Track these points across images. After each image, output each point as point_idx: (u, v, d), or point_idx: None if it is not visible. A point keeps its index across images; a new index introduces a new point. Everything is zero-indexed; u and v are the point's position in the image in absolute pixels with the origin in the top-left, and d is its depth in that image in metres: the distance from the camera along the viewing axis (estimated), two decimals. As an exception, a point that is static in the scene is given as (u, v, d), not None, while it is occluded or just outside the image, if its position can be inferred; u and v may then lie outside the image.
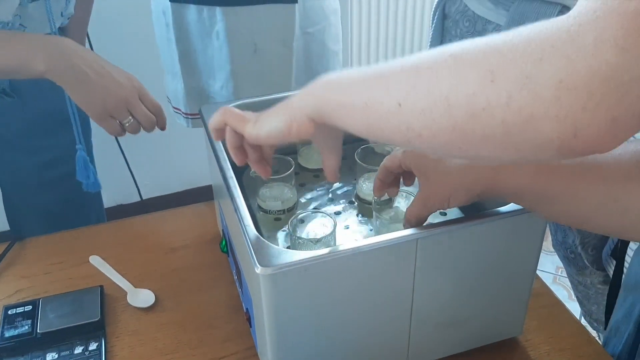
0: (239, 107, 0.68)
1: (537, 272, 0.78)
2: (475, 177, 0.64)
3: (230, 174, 0.75)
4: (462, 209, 0.82)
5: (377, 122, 0.49)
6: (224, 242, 0.91)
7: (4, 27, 0.94)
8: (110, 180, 1.40)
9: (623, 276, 0.91)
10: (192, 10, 1.23)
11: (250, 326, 0.79)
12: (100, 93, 0.85)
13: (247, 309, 0.80)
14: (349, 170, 0.89)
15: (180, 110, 1.39)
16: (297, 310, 0.66)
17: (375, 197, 0.77)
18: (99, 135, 1.12)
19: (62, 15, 1.03)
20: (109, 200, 1.59)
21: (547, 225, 1.45)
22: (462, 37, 1.22)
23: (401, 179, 0.74)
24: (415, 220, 0.68)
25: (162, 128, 0.96)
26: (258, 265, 0.61)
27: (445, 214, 0.81)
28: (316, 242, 0.72)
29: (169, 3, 1.24)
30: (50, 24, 0.95)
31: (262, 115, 0.60)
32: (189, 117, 1.37)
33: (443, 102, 0.43)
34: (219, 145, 0.79)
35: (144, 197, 1.51)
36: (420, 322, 0.73)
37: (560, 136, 0.38)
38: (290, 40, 1.25)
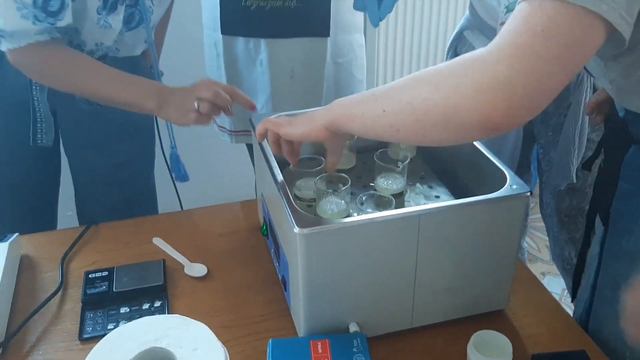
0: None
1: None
2: None
3: (276, 165, 0.96)
4: (454, 194, 1.01)
5: (371, 124, 0.76)
6: (264, 227, 1.11)
7: (103, 49, 1.18)
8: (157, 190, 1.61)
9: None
10: (240, 41, 1.45)
11: (285, 290, 0.98)
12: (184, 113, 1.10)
13: (282, 276, 0.99)
14: (369, 170, 1.09)
15: (225, 128, 1.60)
16: (324, 268, 0.85)
17: None
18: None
19: (145, 42, 1.26)
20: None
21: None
22: None
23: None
24: None
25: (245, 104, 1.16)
26: (296, 227, 0.81)
27: (439, 197, 1.01)
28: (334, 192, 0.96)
29: (221, 36, 1.46)
30: (150, 49, 1.19)
31: (294, 120, 0.90)
32: (233, 133, 1.59)
33: (409, 105, 0.70)
34: (266, 146, 1.00)
35: (184, 208, 1.72)
36: (423, 288, 0.91)
37: (479, 120, 0.63)
38: (322, 68, 1.47)
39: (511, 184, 0.90)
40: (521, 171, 1.49)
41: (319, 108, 0.88)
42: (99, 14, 1.09)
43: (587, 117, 1.28)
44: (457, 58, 0.67)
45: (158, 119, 1.35)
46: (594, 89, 1.27)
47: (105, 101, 1.16)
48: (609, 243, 0.94)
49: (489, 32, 1.34)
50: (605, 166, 0.95)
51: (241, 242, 1.17)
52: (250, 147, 1.62)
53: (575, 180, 1.33)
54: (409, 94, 0.70)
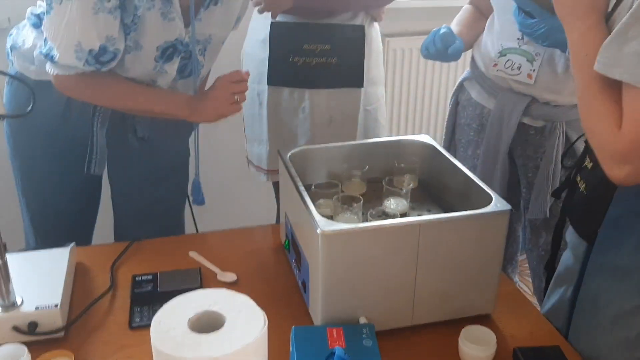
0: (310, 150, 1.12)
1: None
2: None
3: (301, 184, 1.15)
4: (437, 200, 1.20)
5: None
6: (287, 242, 1.29)
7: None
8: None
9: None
10: (285, 91, 1.69)
11: (305, 292, 1.16)
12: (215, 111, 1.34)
13: (303, 280, 1.17)
14: (377, 197, 1.28)
15: (262, 168, 1.81)
16: (340, 266, 1.03)
17: None
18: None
19: (196, 91, 1.49)
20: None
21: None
22: (467, 117, 1.64)
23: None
24: None
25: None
26: (319, 227, 0.99)
27: (430, 211, 1.20)
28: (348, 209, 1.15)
29: (266, 87, 1.70)
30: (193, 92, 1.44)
31: None
32: (269, 173, 1.79)
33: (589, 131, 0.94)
34: (293, 171, 1.20)
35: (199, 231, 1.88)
36: (422, 289, 1.09)
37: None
38: (356, 114, 1.70)
39: (495, 203, 1.09)
40: (511, 210, 1.68)
41: None
42: (156, 62, 1.31)
43: (559, 161, 1.47)
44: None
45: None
46: (566, 136, 1.47)
47: (145, 114, 1.38)
48: (593, 259, 1.09)
49: (483, 82, 1.56)
50: (592, 194, 1.10)
51: (265, 258, 1.35)
52: (276, 184, 1.82)
53: (548, 216, 1.51)
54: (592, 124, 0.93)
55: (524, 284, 2.51)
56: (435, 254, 1.07)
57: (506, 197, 1.58)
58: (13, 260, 1.09)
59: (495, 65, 1.51)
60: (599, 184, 1.07)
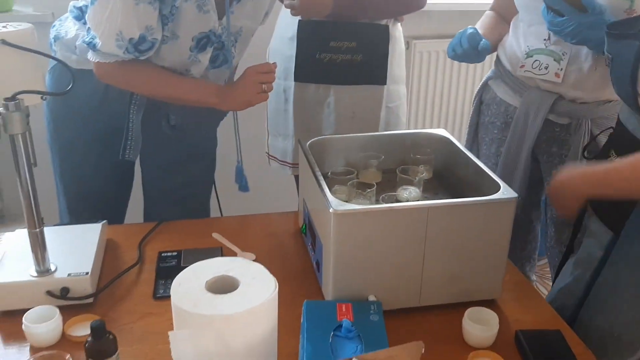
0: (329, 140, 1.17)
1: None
2: None
3: (317, 169, 1.21)
4: (450, 190, 1.24)
5: None
6: (304, 226, 1.35)
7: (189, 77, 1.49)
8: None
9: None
10: (311, 87, 1.76)
11: (318, 271, 1.22)
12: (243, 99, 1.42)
13: (317, 260, 1.23)
14: (391, 186, 1.33)
15: (287, 162, 1.88)
16: (351, 245, 1.08)
17: None
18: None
19: (225, 81, 1.57)
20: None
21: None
22: (491, 115, 1.68)
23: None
24: None
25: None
26: (332, 207, 1.06)
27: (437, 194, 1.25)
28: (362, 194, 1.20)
29: (292, 83, 1.77)
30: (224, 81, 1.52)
31: None
32: (294, 166, 1.86)
33: None
34: (312, 159, 1.26)
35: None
36: (429, 272, 1.14)
37: None
38: (378, 111, 1.76)
39: (503, 191, 1.14)
40: (531, 208, 1.71)
41: None
42: (190, 52, 1.40)
43: (584, 159, 1.50)
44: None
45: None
46: (591, 134, 1.50)
47: (177, 102, 1.46)
48: (618, 248, 1.15)
49: (509, 81, 1.60)
50: None
51: (283, 241, 1.42)
52: (298, 177, 1.89)
53: None
54: None
55: (543, 287, 2.52)
56: (443, 238, 1.12)
57: (527, 195, 1.63)
58: (49, 232, 1.17)
59: (523, 66, 1.55)
60: None
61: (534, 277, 1.90)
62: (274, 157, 1.93)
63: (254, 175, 2.30)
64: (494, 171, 1.62)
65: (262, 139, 1.97)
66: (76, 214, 1.62)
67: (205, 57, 1.44)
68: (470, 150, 1.76)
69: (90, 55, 1.36)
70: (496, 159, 1.68)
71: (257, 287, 0.88)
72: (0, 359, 1.06)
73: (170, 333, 0.82)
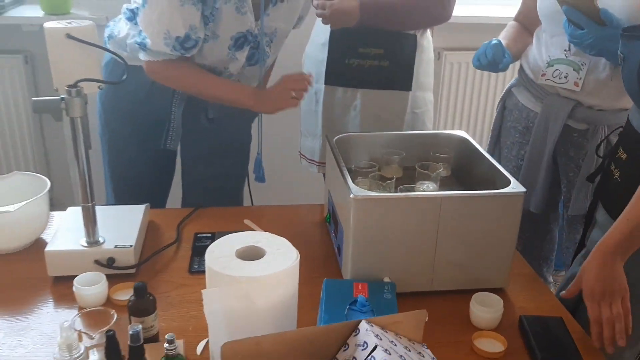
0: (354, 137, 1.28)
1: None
2: None
3: (341, 160, 1.32)
4: (466, 187, 1.33)
5: None
6: (328, 216, 1.46)
7: (227, 75, 1.61)
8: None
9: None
10: (339, 90, 1.87)
11: (339, 255, 1.32)
12: (275, 103, 1.54)
13: (338, 245, 1.33)
14: (411, 181, 1.43)
15: (314, 161, 1.99)
16: (369, 229, 1.19)
17: None
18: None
19: (258, 80, 1.70)
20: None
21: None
22: (513, 120, 1.77)
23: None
24: None
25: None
26: (352, 193, 1.16)
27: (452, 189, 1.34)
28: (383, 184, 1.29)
29: (323, 86, 1.88)
30: (259, 81, 1.64)
31: None
32: (320, 165, 1.98)
33: None
34: (337, 152, 1.37)
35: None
36: (441, 258, 1.23)
37: None
38: (402, 115, 1.86)
39: (512, 186, 1.23)
40: (549, 209, 1.78)
41: None
42: (229, 50, 1.53)
43: (599, 161, 1.57)
44: None
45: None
46: (608, 139, 1.57)
47: (216, 101, 1.59)
48: None
49: (531, 88, 1.69)
50: (626, 182, 1.23)
51: (309, 229, 1.53)
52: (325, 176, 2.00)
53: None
54: None
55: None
56: (455, 227, 1.21)
57: (547, 197, 1.71)
58: (98, 210, 1.31)
59: (544, 75, 1.63)
60: (633, 174, 1.21)
61: (550, 279, 1.97)
62: (304, 156, 2.05)
63: (285, 171, 2.43)
64: (516, 173, 1.72)
65: (297, 139, 2.09)
66: (121, 199, 1.76)
67: (242, 55, 1.57)
68: (492, 153, 1.85)
69: (142, 55, 1.50)
70: (517, 162, 1.76)
71: (281, 256, 1.00)
72: (52, 317, 1.19)
73: (203, 291, 0.94)
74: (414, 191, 1.35)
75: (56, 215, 1.52)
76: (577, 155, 1.64)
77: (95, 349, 1.02)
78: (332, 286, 1.19)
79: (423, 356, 0.93)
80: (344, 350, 0.91)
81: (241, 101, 1.56)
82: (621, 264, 1.15)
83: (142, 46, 1.48)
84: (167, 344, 0.95)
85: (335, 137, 1.45)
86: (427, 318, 0.96)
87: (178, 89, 1.60)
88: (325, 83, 1.87)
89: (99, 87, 1.23)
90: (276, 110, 1.57)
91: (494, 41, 1.63)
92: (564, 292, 1.23)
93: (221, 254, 0.99)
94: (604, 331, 1.12)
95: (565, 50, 1.59)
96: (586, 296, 1.15)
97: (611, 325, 1.12)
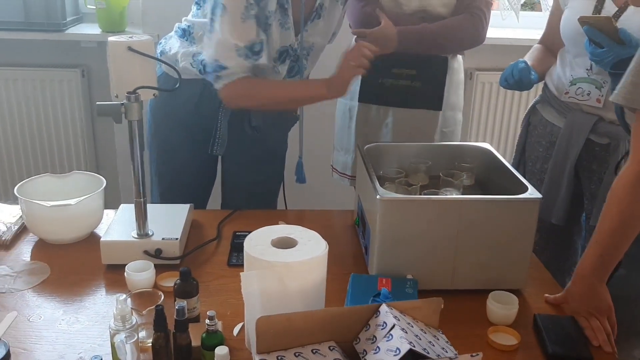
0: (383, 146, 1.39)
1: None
2: None
3: (371, 167, 1.43)
4: (487, 194, 1.41)
5: None
6: (357, 219, 1.57)
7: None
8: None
9: None
10: (373, 108, 1.98)
11: (366, 254, 1.42)
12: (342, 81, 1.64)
13: (365, 245, 1.44)
14: (436, 187, 1.53)
15: (346, 174, 2.10)
16: (394, 228, 1.29)
17: None
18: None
19: None
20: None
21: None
22: (537, 135, 1.85)
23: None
24: None
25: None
26: (379, 195, 1.27)
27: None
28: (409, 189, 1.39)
29: (357, 104, 2.00)
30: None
31: None
32: (352, 178, 2.08)
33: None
34: (367, 160, 1.48)
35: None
36: (461, 258, 1.32)
37: None
38: (432, 134, 1.95)
39: (529, 193, 1.31)
40: (572, 222, 1.85)
41: None
42: (274, 62, 1.67)
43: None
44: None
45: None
46: (628, 153, 1.64)
47: (294, 105, 1.75)
48: (631, 247, 1.26)
49: (555, 104, 1.77)
50: None
51: (339, 232, 1.64)
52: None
53: None
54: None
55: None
56: (474, 230, 1.30)
57: (569, 209, 1.77)
58: (147, 207, 1.44)
59: (567, 92, 1.72)
60: None
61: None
62: (336, 169, 2.15)
63: (317, 184, 2.55)
64: (540, 186, 1.79)
65: (329, 154, 2.21)
66: (167, 201, 1.89)
67: (283, 68, 1.70)
68: (517, 167, 1.93)
69: (218, 84, 1.62)
70: (540, 175, 1.84)
71: (311, 246, 1.11)
72: (105, 299, 1.32)
73: (242, 274, 1.06)
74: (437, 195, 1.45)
75: (110, 212, 1.67)
76: (599, 168, 1.71)
77: (143, 327, 1.15)
78: (358, 280, 1.30)
79: (438, 339, 1.02)
80: (366, 331, 1.01)
81: (317, 94, 1.66)
82: (602, 284, 1.24)
83: (217, 71, 1.59)
84: (208, 320, 1.07)
85: (366, 147, 1.57)
86: (442, 305, 1.05)
87: (257, 107, 1.71)
88: (359, 100, 1.99)
89: (154, 94, 1.37)
90: (346, 89, 1.65)
91: (522, 64, 1.72)
92: (548, 295, 1.33)
93: (258, 241, 1.11)
94: (598, 337, 1.21)
95: (587, 69, 1.68)
96: (574, 315, 1.26)
97: (602, 332, 1.21)
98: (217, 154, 1.79)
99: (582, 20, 1.52)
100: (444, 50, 1.92)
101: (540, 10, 2.83)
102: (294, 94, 1.71)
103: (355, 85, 2.00)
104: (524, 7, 2.91)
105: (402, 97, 1.93)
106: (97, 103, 1.32)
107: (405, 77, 1.92)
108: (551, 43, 1.83)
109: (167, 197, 1.91)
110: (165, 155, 1.88)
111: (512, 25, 2.80)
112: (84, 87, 2.70)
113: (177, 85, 1.40)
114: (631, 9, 1.55)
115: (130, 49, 1.32)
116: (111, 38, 1.34)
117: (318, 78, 1.71)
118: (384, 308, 1.00)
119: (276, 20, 1.60)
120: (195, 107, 1.77)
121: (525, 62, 1.74)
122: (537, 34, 1.92)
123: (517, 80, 1.72)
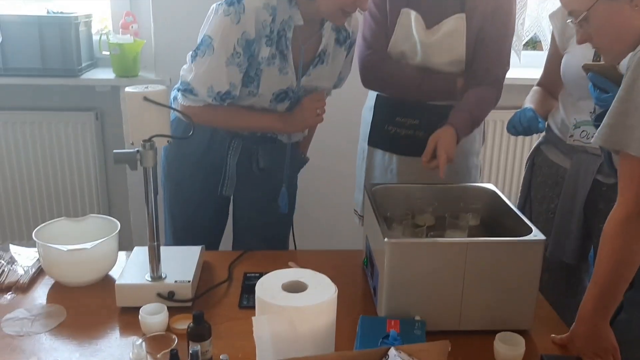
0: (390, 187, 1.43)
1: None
2: None
3: (377, 209, 1.47)
4: (493, 235, 1.43)
5: None
6: (366, 259, 1.60)
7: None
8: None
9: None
10: (379, 153, 2.02)
11: (375, 295, 1.45)
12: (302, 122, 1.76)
13: (374, 287, 1.46)
14: (442, 229, 1.56)
15: (357, 212, 2.13)
16: (401, 270, 1.32)
17: None
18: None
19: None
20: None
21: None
22: (543, 175, 1.88)
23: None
24: None
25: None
26: (387, 238, 1.30)
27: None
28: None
29: (367, 146, 2.04)
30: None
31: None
32: (362, 218, 2.11)
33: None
34: (374, 201, 1.52)
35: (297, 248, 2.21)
36: (468, 299, 1.34)
37: None
38: (438, 180, 1.96)
39: (534, 234, 1.34)
40: (580, 260, 1.86)
41: None
42: (270, 102, 1.73)
43: None
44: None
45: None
46: None
47: (249, 130, 1.80)
48: (633, 293, 1.31)
49: (559, 145, 1.81)
50: None
51: (348, 272, 1.67)
52: None
53: None
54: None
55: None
56: (480, 271, 1.33)
57: (579, 248, 1.79)
58: (161, 249, 1.49)
59: (571, 136, 1.76)
60: None
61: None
62: (356, 212, 2.16)
63: (327, 220, 2.59)
64: (549, 226, 1.81)
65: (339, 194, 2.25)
66: (179, 241, 1.94)
67: (282, 107, 1.77)
68: (523, 207, 1.95)
69: (184, 100, 1.73)
70: (547, 215, 1.87)
71: (321, 290, 1.14)
72: (119, 342, 1.35)
73: (253, 318, 1.09)
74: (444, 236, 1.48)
75: (124, 255, 1.71)
76: (606, 207, 1.73)
77: (158, 369, 1.18)
78: (367, 322, 1.32)
79: (445, 382, 1.04)
80: (375, 374, 1.03)
81: (271, 126, 1.78)
82: (605, 324, 1.26)
83: (187, 92, 1.70)
84: (221, 363, 1.10)
85: (373, 187, 1.61)
86: (449, 348, 1.08)
87: (213, 126, 1.80)
88: (368, 144, 2.03)
89: (167, 141, 1.43)
90: (304, 128, 1.80)
91: (530, 112, 1.76)
92: (554, 335, 1.35)
93: (269, 286, 1.14)
94: None
95: (590, 112, 1.72)
96: (580, 355, 1.28)
97: None
98: (227, 195, 1.84)
99: (586, 68, 1.57)
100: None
101: (542, 50, 2.90)
102: (250, 125, 1.80)
103: (367, 128, 2.04)
104: (526, 46, 2.98)
105: (404, 145, 1.94)
106: (114, 151, 1.38)
107: (408, 127, 1.93)
108: (551, 86, 1.88)
109: (180, 236, 1.95)
110: (178, 196, 1.93)
111: (514, 65, 2.86)
112: (97, 129, 2.78)
113: (191, 133, 1.46)
114: (631, 53, 1.60)
115: (145, 99, 1.38)
116: (128, 89, 1.40)
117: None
118: (392, 352, 1.03)
119: (274, 66, 1.67)
120: (206, 149, 1.82)
121: (533, 110, 1.78)
122: (539, 72, 1.97)
123: (525, 128, 1.76)
